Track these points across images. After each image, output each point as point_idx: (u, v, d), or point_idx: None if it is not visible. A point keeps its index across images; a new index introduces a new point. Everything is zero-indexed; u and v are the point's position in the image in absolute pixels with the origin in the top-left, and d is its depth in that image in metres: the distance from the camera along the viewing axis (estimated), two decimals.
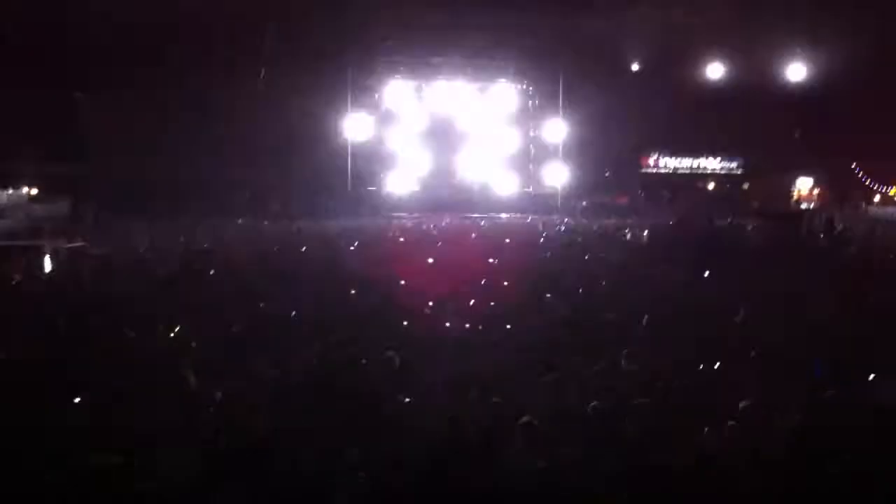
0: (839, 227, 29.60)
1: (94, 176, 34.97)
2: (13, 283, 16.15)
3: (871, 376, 8.79)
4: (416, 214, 36.09)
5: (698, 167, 45.98)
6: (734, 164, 45.61)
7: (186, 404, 8.18)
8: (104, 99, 35.46)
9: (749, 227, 29.35)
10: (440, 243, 24.20)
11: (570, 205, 39.65)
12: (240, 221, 31.31)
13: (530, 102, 41.78)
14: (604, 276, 16.88)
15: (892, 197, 48.40)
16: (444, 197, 39.18)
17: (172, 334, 11.24)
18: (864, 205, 43.08)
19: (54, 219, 30.63)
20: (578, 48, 37.53)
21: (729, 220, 30.95)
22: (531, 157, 41.98)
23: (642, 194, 41.91)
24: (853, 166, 45.66)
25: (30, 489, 6.27)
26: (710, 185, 46.09)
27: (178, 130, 36.00)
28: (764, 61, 39.81)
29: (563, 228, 30.91)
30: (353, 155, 39.76)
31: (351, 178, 39.69)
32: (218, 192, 33.76)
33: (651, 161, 45.32)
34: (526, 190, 41.62)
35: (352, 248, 22.82)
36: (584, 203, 39.76)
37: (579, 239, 26.51)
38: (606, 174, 42.75)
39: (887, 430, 7.09)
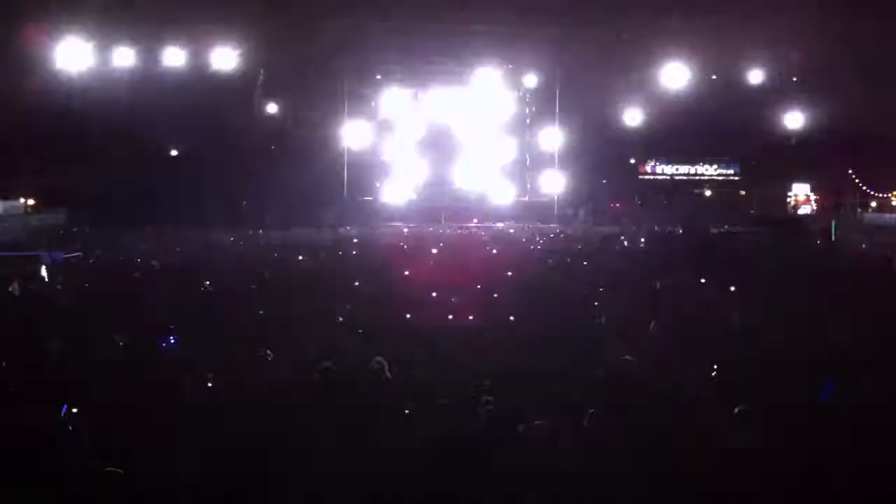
0: (837, 234, 29.62)
1: (90, 187, 34.88)
2: (11, 293, 16.04)
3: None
4: (412, 224, 36.05)
5: (695, 173, 45.92)
6: (731, 171, 45.56)
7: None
8: (100, 109, 35.23)
9: (747, 235, 29.36)
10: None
11: (567, 213, 39.65)
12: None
13: (527, 110, 41.70)
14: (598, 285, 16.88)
15: (889, 203, 48.41)
16: (441, 206, 39.13)
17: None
18: (860, 211, 43.02)
19: (51, 229, 30.72)
20: (575, 56, 37.64)
21: (725, 227, 30.96)
22: (527, 166, 41.90)
23: (639, 202, 41.85)
24: (850, 172, 45.65)
25: None
26: (707, 192, 46.04)
27: (172, 140, 36.06)
28: (761, 66, 39.89)
29: (561, 236, 30.89)
30: (349, 164, 39.72)
31: (347, 187, 39.65)
32: (212, 202, 33.62)
33: (648, 168, 45.27)
34: (522, 199, 41.47)
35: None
36: (581, 211, 39.75)
37: (579, 246, 26.54)
38: (604, 182, 42.66)
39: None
